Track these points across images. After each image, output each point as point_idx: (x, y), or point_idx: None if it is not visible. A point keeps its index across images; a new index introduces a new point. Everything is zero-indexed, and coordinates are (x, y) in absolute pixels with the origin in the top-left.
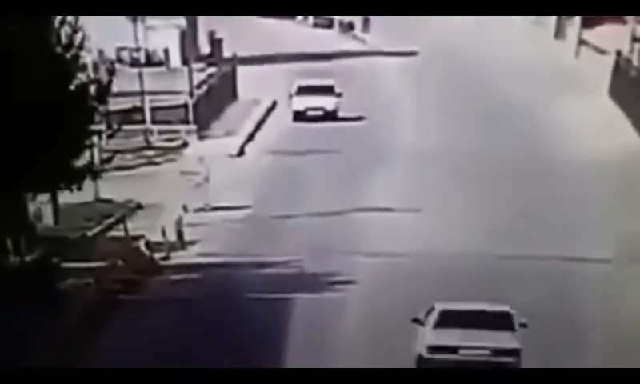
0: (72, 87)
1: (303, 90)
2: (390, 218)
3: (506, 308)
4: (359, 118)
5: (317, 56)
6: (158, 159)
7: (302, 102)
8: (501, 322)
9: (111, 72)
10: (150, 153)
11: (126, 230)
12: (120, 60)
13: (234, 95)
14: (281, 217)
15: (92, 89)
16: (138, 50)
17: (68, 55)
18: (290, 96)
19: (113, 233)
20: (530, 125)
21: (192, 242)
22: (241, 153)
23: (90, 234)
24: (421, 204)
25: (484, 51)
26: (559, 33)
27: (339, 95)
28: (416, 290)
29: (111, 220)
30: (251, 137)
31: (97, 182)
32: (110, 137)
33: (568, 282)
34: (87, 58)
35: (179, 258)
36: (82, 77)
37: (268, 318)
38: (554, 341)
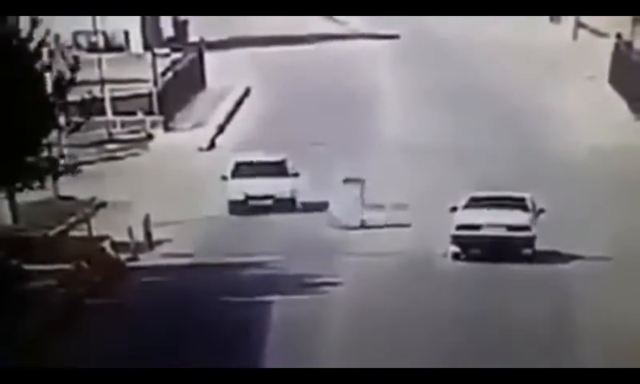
0: (29, 80)
1: (243, 170)
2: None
3: (522, 194)
4: (324, 204)
5: (293, 39)
6: (120, 153)
7: (242, 188)
8: (517, 204)
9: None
10: (113, 146)
11: (89, 229)
12: (77, 45)
13: (202, 83)
14: (257, 214)
15: (49, 81)
16: (95, 33)
17: (26, 47)
18: (224, 178)
19: (76, 233)
20: (524, 113)
21: (161, 242)
22: (211, 146)
23: (51, 233)
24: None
25: (472, 34)
26: None
27: (296, 175)
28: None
29: (73, 219)
30: (222, 128)
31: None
32: (72, 131)
33: (568, 281)
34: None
35: (147, 259)
36: (36, 66)
37: (242, 322)
38: (553, 339)
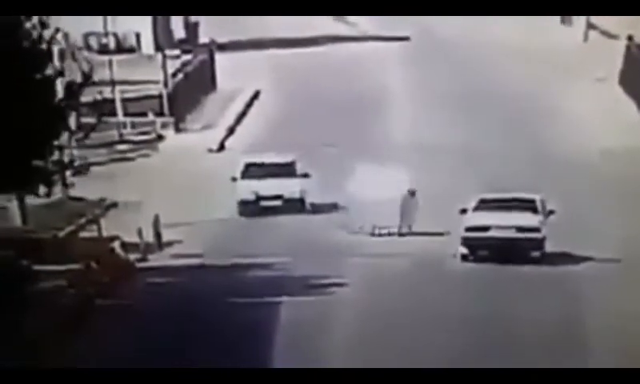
0: (39, 83)
1: (253, 171)
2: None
3: (531, 196)
4: (334, 206)
5: (302, 41)
6: (131, 154)
7: (252, 188)
8: (526, 205)
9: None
10: (124, 147)
11: (99, 230)
12: (88, 47)
13: (212, 84)
14: (266, 215)
15: (59, 83)
16: (106, 35)
17: (36, 49)
18: (234, 179)
19: (86, 233)
20: (534, 115)
21: (171, 243)
22: (221, 147)
23: (61, 234)
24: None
25: (480, 36)
26: (566, 16)
27: (305, 176)
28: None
29: (83, 220)
30: (232, 130)
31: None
32: (85, 136)
33: (578, 282)
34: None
35: (157, 260)
36: (46, 67)
37: (251, 323)
38: (562, 340)
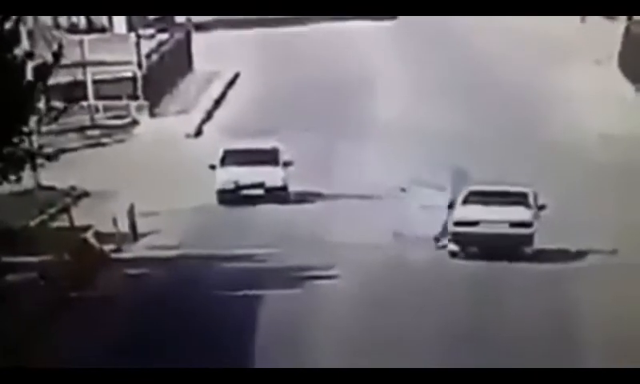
0: (6, 64)
1: (232, 158)
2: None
3: (523, 189)
4: (318, 195)
5: (284, 20)
6: (105, 140)
7: (231, 176)
8: (518, 199)
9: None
10: (96, 132)
11: (71, 219)
12: (57, 26)
13: (189, 66)
14: (247, 204)
15: (29, 64)
16: None
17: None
18: (212, 167)
19: (57, 223)
20: (532, 101)
21: (146, 234)
22: (199, 132)
23: (31, 224)
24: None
25: (477, 18)
26: None
27: (287, 164)
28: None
29: (54, 209)
30: (210, 114)
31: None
32: (55, 119)
33: (574, 276)
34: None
35: (131, 250)
36: (16, 50)
37: (232, 317)
38: (557, 338)
